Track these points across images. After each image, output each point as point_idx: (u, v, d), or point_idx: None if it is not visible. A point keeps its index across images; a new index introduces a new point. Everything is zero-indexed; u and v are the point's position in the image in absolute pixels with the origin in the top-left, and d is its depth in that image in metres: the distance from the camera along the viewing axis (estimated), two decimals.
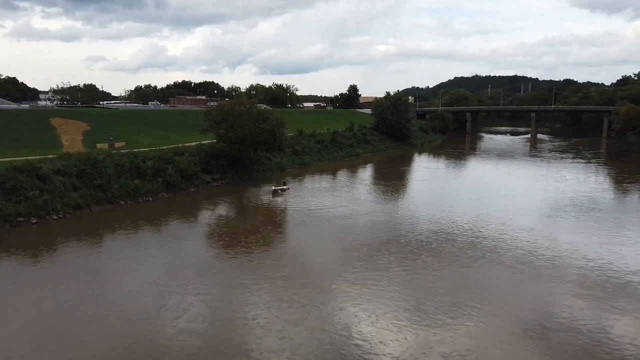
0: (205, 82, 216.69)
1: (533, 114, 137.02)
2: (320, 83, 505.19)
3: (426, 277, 25.33)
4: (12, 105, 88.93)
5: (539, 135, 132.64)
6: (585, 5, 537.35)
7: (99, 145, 54.05)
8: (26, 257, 28.42)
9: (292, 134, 68.39)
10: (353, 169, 67.40)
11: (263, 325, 19.90)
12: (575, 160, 78.16)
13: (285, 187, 47.90)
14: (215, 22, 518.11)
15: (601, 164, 74.26)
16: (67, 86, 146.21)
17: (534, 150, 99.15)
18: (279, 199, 44.86)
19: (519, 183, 56.28)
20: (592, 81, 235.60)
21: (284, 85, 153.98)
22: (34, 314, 20.85)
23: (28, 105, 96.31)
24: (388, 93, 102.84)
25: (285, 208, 41.81)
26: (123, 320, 20.39)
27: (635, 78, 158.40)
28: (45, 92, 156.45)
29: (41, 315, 20.74)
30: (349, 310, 21.24)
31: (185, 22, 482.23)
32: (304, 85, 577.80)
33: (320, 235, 33.67)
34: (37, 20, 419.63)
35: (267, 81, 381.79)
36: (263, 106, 68.72)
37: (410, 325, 19.87)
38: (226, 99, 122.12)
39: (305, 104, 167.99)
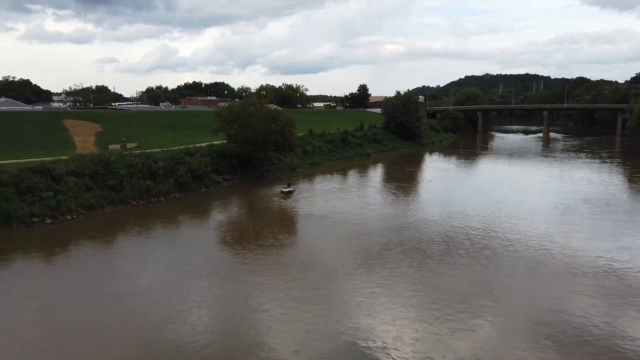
0: (216, 83, 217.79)
1: (545, 113, 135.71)
2: (329, 83, 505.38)
3: (439, 281, 25.19)
4: (26, 107, 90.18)
5: (552, 134, 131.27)
6: (595, 3, 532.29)
7: (111, 146, 54.58)
8: (41, 257, 28.74)
9: (302, 134, 68.46)
10: (363, 169, 67.28)
11: (275, 330, 19.93)
12: (589, 160, 77.21)
13: (289, 188, 47.88)
14: (224, 23, 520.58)
15: (616, 163, 73.23)
16: (80, 88, 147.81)
17: (546, 150, 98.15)
18: (288, 200, 44.91)
19: (531, 184, 55.66)
20: (605, 79, 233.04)
21: (294, 86, 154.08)
22: (48, 313, 21.10)
23: (41, 107, 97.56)
24: (398, 92, 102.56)
25: (295, 210, 41.83)
26: (135, 319, 20.59)
27: None
28: (58, 94, 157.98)
29: (55, 314, 21.00)
30: (362, 315, 21.16)
31: (194, 23, 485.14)
32: (314, 85, 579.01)
33: (331, 238, 33.66)
34: (49, 22, 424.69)
35: (277, 81, 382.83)
36: (273, 106, 68.81)
37: (424, 328, 19.78)
38: (236, 100, 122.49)
39: (315, 104, 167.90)
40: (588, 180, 56.04)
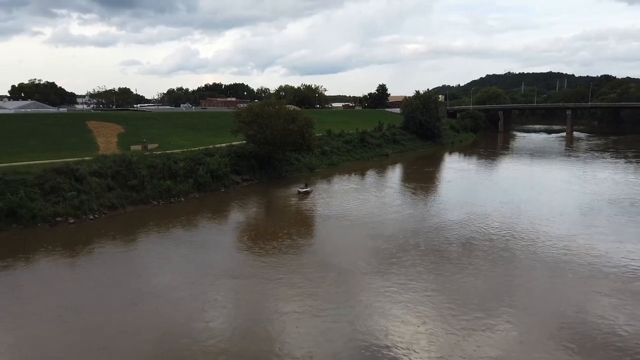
0: (236, 84, 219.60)
1: (569, 112, 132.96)
2: (348, 83, 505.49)
3: (457, 283, 24.92)
4: (51, 110, 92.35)
5: (575, 133, 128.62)
6: None
7: (133, 147, 55.46)
8: (64, 257, 29.42)
9: (320, 134, 68.48)
10: (382, 169, 66.99)
11: (291, 331, 19.97)
12: (614, 160, 75.39)
13: (307, 189, 47.92)
14: (244, 24, 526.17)
15: None
16: (103, 90, 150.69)
17: (569, 149, 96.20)
18: (306, 201, 45.01)
19: (554, 184, 54.56)
20: (632, 76, 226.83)
21: (313, 86, 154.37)
22: (71, 311, 21.58)
23: (66, 109, 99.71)
24: (418, 92, 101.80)
25: (313, 210, 41.89)
26: (154, 318, 20.91)
27: None
28: (82, 96, 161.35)
29: (77, 313, 21.46)
30: (378, 317, 21.09)
31: (215, 25, 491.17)
32: (333, 85, 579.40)
33: (348, 239, 33.59)
34: (74, 26, 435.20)
35: (296, 82, 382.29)
36: (292, 107, 69.06)
37: (441, 332, 19.63)
38: (256, 101, 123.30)
39: (334, 104, 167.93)
40: (612, 180, 54.75)
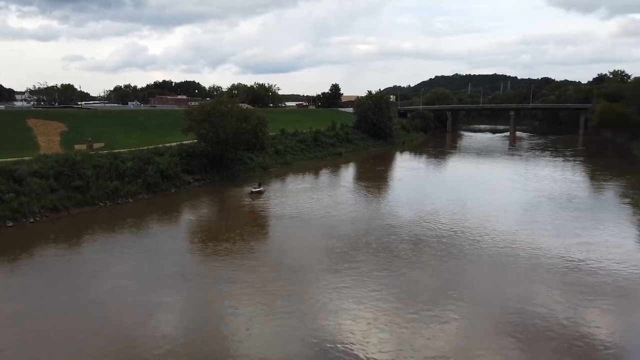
0: (186, 82, 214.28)
1: (512, 112, 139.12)
2: (302, 82, 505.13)
3: (407, 280, 25.58)
4: None
5: (518, 133, 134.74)
6: (560, 5, 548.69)
7: (77, 147, 53.10)
8: (1, 261, 27.81)
9: (274, 134, 68.28)
10: (335, 168, 67.61)
11: (243, 334, 19.80)
12: (553, 158, 79.60)
13: (259, 188, 47.66)
14: (195, 21, 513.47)
15: (578, 162, 75.75)
16: (44, 86, 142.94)
17: (512, 148, 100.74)
18: (259, 200, 44.76)
19: (498, 182, 57.01)
20: (569, 79, 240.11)
21: (266, 85, 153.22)
22: (9, 321, 20.46)
23: (4, 106, 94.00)
24: (370, 92, 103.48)
25: (266, 210, 41.73)
26: (101, 325, 20.16)
27: (611, 76, 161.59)
28: (22, 93, 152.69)
29: (16, 321, 20.37)
30: (332, 316, 21.30)
31: (165, 21, 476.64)
32: (286, 84, 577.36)
33: (301, 238, 33.71)
34: (13, 19, 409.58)
35: (249, 80, 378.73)
36: (245, 106, 68.43)
37: (391, 328, 20.09)
38: (207, 99, 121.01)
39: (288, 104, 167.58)
40: (552, 178, 57.79)
